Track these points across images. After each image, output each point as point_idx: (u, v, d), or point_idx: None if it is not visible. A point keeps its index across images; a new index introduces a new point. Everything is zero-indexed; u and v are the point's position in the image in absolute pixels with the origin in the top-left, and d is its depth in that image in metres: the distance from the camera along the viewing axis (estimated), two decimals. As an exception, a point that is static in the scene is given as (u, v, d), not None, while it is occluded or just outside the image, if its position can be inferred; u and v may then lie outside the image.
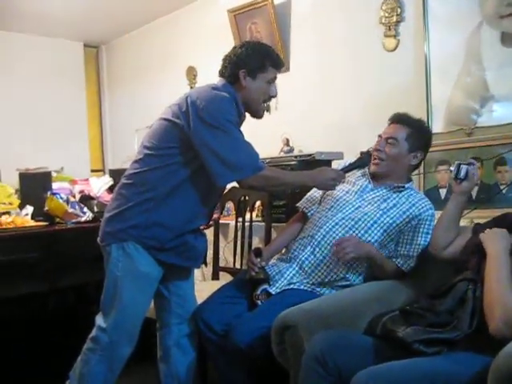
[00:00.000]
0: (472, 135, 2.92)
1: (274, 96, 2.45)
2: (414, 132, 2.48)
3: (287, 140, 3.81)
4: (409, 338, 1.77)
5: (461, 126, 2.98)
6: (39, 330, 3.57)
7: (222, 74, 2.43)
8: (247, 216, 3.24)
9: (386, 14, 3.37)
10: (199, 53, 4.80)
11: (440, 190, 3.01)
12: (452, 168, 2.14)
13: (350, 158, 3.25)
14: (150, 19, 5.27)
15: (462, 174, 2.10)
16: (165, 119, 2.33)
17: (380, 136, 2.53)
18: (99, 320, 2.37)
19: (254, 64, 2.36)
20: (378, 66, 3.49)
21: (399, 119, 2.52)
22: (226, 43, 4.31)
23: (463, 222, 2.72)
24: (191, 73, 4.93)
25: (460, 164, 2.11)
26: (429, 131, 2.59)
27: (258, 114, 2.46)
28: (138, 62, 5.57)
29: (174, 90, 5.01)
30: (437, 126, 3.06)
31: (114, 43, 5.98)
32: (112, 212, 2.35)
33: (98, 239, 2.39)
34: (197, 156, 2.24)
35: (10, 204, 3.41)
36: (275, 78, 2.43)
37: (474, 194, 2.82)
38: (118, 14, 5.08)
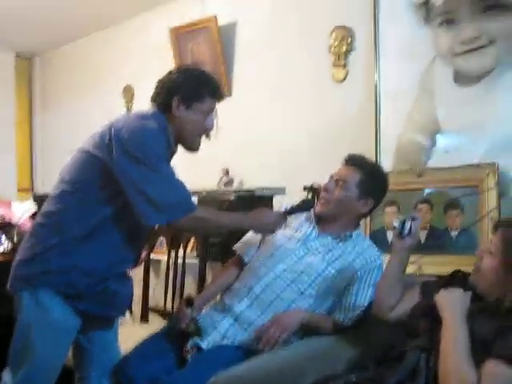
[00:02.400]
0: (423, 176, 2.76)
1: (210, 129, 2.21)
2: (368, 178, 2.29)
3: (227, 170, 3.59)
4: (355, 419, 1.56)
5: (411, 165, 2.82)
6: None
7: (153, 99, 2.18)
8: (180, 252, 3.00)
9: (336, 43, 3.20)
10: (138, 72, 4.54)
11: (387, 233, 2.83)
12: (395, 224, 1.96)
13: (293, 193, 3.10)
14: (89, 32, 4.98)
15: (407, 230, 1.93)
16: (85, 151, 2.07)
17: (331, 176, 2.34)
18: (6, 376, 2.08)
19: (190, 92, 2.12)
20: (326, 96, 3.31)
21: (353, 161, 2.33)
22: (166, 63, 4.10)
23: (410, 269, 2.57)
24: (129, 92, 4.67)
25: (405, 220, 1.93)
26: (384, 179, 2.38)
27: (191, 148, 2.23)
28: (74, 77, 5.26)
29: (110, 109, 4.76)
30: (386, 164, 2.87)
31: (49, 55, 5.64)
32: (24, 254, 2.07)
33: (8, 284, 2.10)
34: (121, 192, 1.99)
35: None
36: (213, 109, 2.20)
37: (422, 239, 2.66)
38: (55, 24, 4.77)
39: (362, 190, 2.28)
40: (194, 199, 2.27)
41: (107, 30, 4.88)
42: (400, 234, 1.93)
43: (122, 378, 2.14)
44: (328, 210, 2.31)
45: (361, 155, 2.37)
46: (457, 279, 1.89)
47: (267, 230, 2.21)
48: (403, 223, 1.93)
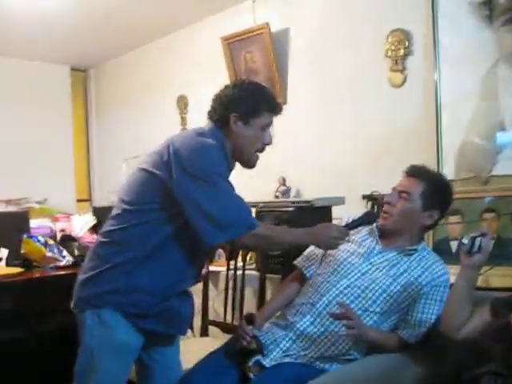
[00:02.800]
0: (488, 184, 2.65)
1: (268, 144, 2.17)
2: (431, 189, 2.21)
3: (283, 179, 3.55)
4: None
5: (475, 172, 2.72)
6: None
7: (210, 116, 2.16)
8: (239, 263, 2.97)
9: (393, 47, 3.13)
10: (191, 81, 4.57)
11: (451, 243, 2.73)
12: (465, 241, 1.86)
13: (352, 202, 3.03)
14: (142, 43, 5.05)
15: (476, 247, 1.84)
16: (143, 169, 2.06)
17: (393, 188, 2.26)
18: None
19: (248, 108, 2.08)
20: (383, 102, 3.24)
21: (415, 172, 2.24)
22: (219, 73, 4.12)
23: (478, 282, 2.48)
24: (182, 101, 4.70)
25: (475, 237, 1.84)
26: (449, 189, 2.28)
27: (249, 164, 2.20)
28: (128, 88, 5.34)
29: (164, 118, 4.82)
30: (448, 172, 2.78)
31: (103, 67, 5.74)
32: (87, 274, 2.06)
33: (71, 304, 2.11)
34: (181, 211, 1.96)
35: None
36: (271, 123, 2.16)
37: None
38: (108, 37, 4.87)
39: (426, 201, 2.19)
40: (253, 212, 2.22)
41: (159, 41, 4.93)
42: (469, 250, 1.85)
43: (185, 394, 2.13)
44: (392, 224, 2.24)
45: (423, 165, 2.28)
46: None
47: (332, 244, 2.14)
48: (473, 240, 1.84)
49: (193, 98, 4.61)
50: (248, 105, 2.08)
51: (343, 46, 3.48)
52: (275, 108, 2.15)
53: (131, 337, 2.06)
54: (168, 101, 4.78)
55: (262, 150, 2.19)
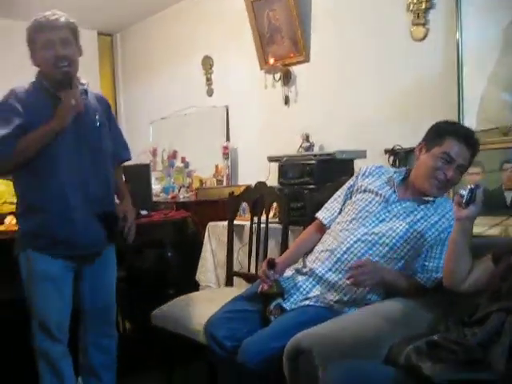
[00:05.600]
0: (508, 134, 2.66)
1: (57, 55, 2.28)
2: (473, 156, 2.23)
3: (307, 136, 3.59)
4: (436, 378, 1.55)
5: (496, 124, 2.73)
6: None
7: None
8: (263, 217, 3.05)
9: (415, 1, 3.12)
10: (216, 41, 4.62)
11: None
12: (463, 192, 1.87)
13: (374, 156, 3.08)
14: (166, 6, 5.09)
15: (472, 197, 1.86)
16: None
17: (449, 156, 2.17)
18: None
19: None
20: (405, 56, 3.24)
21: (473, 143, 2.20)
22: (243, 32, 4.15)
23: (496, 231, 2.51)
24: (207, 62, 4.74)
25: (473, 188, 1.86)
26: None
27: (58, 80, 2.30)
28: (154, 51, 5.40)
29: (190, 79, 4.87)
30: (469, 124, 2.79)
31: (129, 31, 5.81)
32: None
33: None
34: None
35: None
36: (48, 40, 2.29)
37: (508, 199, 2.59)
38: (134, 1, 4.89)
39: (468, 167, 2.25)
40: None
41: (184, 2, 4.96)
42: (468, 201, 1.87)
43: (208, 338, 2.24)
44: (441, 194, 2.27)
45: (473, 131, 2.24)
46: None
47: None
48: (471, 191, 1.86)
49: (217, 58, 4.66)
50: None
51: (365, 1, 3.48)
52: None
53: (49, 265, 2.33)
54: (193, 62, 4.83)
55: (56, 63, 2.26)
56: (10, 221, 3.01)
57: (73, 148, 2.34)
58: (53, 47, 2.26)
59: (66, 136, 2.29)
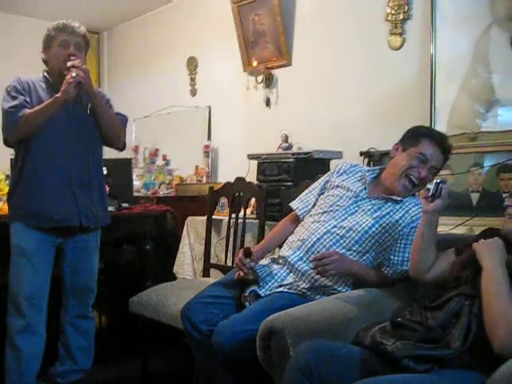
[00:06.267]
0: (476, 140, 2.82)
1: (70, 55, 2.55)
2: (446, 160, 2.36)
3: (286, 136, 3.72)
4: (398, 353, 1.67)
5: (465, 129, 2.88)
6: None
7: None
8: (241, 213, 3.16)
9: (393, 11, 3.28)
10: (201, 43, 4.73)
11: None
12: (430, 186, 1.99)
13: (350, 158, 3.20)
14: (154, 7, 5.19)
15: (438, 192, 1.99)
16: None
17: (424, 156, 2.29)
18: None
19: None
20: (383, 64, 3.40)
21: (444, 146, 2.32)
22: (229, 34, 4.27)
23: (461, 230, 2.65)
24: (192, 63, 4.86)
25: (438, 183, 1.97)
26: None
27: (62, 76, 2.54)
28: (140, 50, 5.50)
29: (174, 79, 4.97)
30: (440, 129, 2.93)
31: (116, 30, 5.89)
32: None
33: None
34: None
35: (1, 190, 3.35)
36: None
37: (474, 201, 2.74)
38: (121, 0, 4.98)
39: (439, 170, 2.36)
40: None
41: (171, 4, 5.08)
42: (434, 194, 1.99)
43: (185, 321, 2.32)
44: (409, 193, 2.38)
45: (447, 138, 2.36)
46: (488, 234, 1.93)
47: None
48: (437, 185, 1.97)
49: (202, 59, 4.77)
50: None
51: (347, 10, 3.62)
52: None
53: (24, 239, 2.53)
54: (178, 62, 4.94)
55: (66, 60, 2.51)
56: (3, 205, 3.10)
57: (63, 132, 2.56)
58: (68, 47, 2.54)
59: (57, 120, 2.52)
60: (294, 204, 2.61)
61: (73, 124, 2.59)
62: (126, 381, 3.06)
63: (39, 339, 2.59)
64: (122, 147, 2.83)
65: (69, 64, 2.46)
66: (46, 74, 2.66)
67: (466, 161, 2.82)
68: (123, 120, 2.79)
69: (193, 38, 4.81)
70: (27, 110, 2.47)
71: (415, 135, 2.34)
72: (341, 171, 2.56)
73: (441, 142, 2.31)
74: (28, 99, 2.53)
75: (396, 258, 2.31)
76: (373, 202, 2.40)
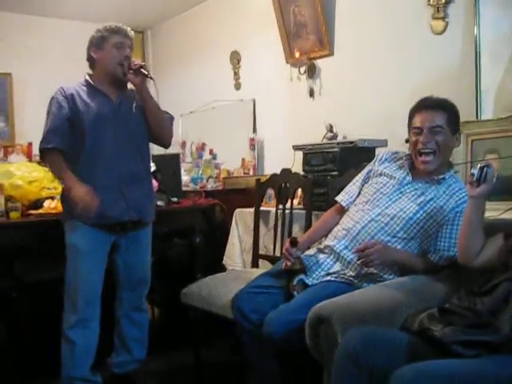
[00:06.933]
0: (524, 123, 2.76)
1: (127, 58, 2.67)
2: (452, 113, 2.36)
3: (330, 126, 3.72)
4: (446, 339, 1.68)
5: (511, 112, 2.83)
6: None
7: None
8: (288, 203, 3.20)
9: (435, -5, 3.24)
10: (243, 37, 4.77)
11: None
12: (474, 171, 1.97)
13: (395, 145, 3.18)
14: (195, 3, 5.24)
15: (484, 175, 1.95)
16: None
17: (417, 128, 2.36)
18: None
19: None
20: (425, 49, 3.36)
21: (435, 104, 2.36)
22: (269, 27, 4.29)
23: (511, 215, 2.61)
24: (235, 57, 4.89)
25: (483, 167, 1.95)
26: (457, 108, 2.43)
27: (119, 76, 2.69)
28: (183, 47, 5.57)
29: (218, 74, 5.03)
30: (486, 113, 2.93)
31: (160, 28, 5.99)
32: None
33: None
34: None
35: (55, 189, 3.45)
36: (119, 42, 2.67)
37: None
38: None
39: (452, 126, 2.35)
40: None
41: (211, 0, 5.13)
42: (479, 179, 1.97)
43: (235, 311, 2.40)
44: (434, 164, 2.35)
45: (430, 96, 2.40)
46: None
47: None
48: (482, 170, 1.95)
49: (245, 53, 4.81)
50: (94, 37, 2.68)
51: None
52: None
53: (80, 238, 2.61)
54: (221, 57, 4.99)
55: (121, 61, 2.64)
56: (49, 204, 3.20)
57: (111, 130, 2.66)
58: (124, 49, 2.65)
59: (105, 119, 2.64)
60: (339, 197, 2.64)
61: (119, 122, 2.67)
62: (178, 371, 3.16)
63: (92, 333, 2.68)
64: (168, 145, 2.90)
65: (135, 63, 2.60)
66: (87, 77, 2.73)
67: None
68: (170, 119, 2.85)
69: (234, 33, 4.85)
70: (54, 157, 2.62)
71: (409, 116, 2.45)
72: (383, 159, 2.58)
73: (425, 104, 2.37)
74: (69, 114, 2.62)
75: (442, 244, 2.31)
76: (416, 186, 2.40)
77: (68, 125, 2.62)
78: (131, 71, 2.61)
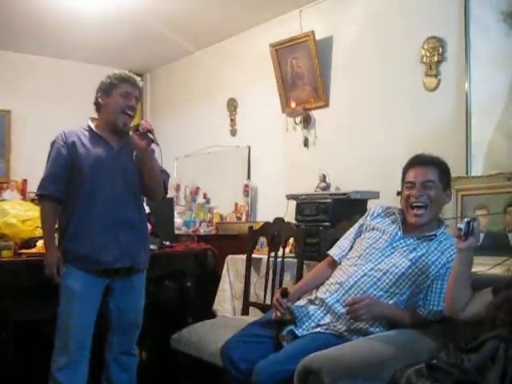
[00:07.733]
0: (512, 180, 2.82)
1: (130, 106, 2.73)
2: (443, 169, 2.44)
3: (324, 176, 3.78)
4: (433, 396, 1.70)
5: (501, 169, 2.89)
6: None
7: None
8: (280, 252, 3.22)
9: (428, 54, 3.34)
10: (240, 85, 4.85)
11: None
12: (461, 226, 2.04)
13: (387, 197, 3.24)
14: (195, 50, 5.34)
15: (471, 229, 2.02)
16: None
17: (410, 182, 2.44)
18: None
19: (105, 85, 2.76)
20: (418, 105, 3.45)
21: (427, 161, 2.45)
22: (267, 77, 4.38)
23: (499, 270, 2.64)
24: (232, 104, 4.97)
25: (469, 221, 2.03)
26: (448, 166, 2.51)
27: (119, 127, 2.74)
28: (181, 91, 5.66)
29: (214, 120, 5.10)
30: (476, 168, 3.00)
31: (158, 71, 6.08)
32: None
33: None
34: None
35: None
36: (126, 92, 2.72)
37: (511, 241, 2.73)
38: (164, 44, 5.17)
39: (444, 182, 2.42)
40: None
41: (211, 48, 5.23)
42: (466, 233, 2.02)
43: (224, 359, 2.39)
44: (425, 217, 2.40)
45: (423, 153, 2.49)
46: None
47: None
48: (468, 224, 2.02)
49: (242, 100, 4.89)
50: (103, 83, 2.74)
51: (383, 53, 3.70)
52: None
53: (74, 281, 2.62)
54: (218, 103, 5.07)
55: (124, 110, 2.69)
56: (42, 244, 3.21)
57: (109, 177, 2.69)
58: (129, 99, 2.69)
59: (103, 166, 2.68)
60: (331, 251, 2.67)
61: (118, 169, 2.71)
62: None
63: (81, 375, 2.67)
64: (156, 201, 3.01)
65: (144, 126, 2.62)
66: (90, 122, 2.78)
67: (503, 201, 2.81)
68: (166, 178, 2.90)
69: (232, 80, 4.94)
70: (47, 212, 2.69)
71: (402, 172, 2.52)
72: (375, 214, 2.63)
73: (418, 160, 2.46)
74: (67, 161, 2.67)
75: (431, 298, 2.34)
76: (408, 242, 2.44)
77: (66, 171, 2.66)
78: (138, 133, 2.63)
